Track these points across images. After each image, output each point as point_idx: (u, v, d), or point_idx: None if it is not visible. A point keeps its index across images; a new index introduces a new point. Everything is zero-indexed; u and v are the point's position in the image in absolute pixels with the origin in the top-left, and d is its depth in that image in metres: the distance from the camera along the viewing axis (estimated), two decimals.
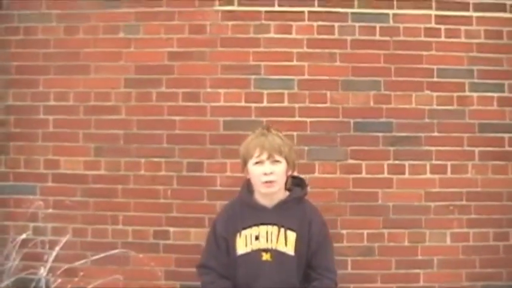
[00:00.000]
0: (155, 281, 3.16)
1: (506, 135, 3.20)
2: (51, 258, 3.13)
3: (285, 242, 2.20)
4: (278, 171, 2.23)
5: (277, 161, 2.23)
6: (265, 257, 2.19)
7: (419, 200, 3.17)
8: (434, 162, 3.17)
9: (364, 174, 3.17)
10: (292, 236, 2.21)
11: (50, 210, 3.22)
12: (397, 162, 3.17)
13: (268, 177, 2.21)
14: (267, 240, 2.20)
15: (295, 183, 2.36)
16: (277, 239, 2.20)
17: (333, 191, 3.14)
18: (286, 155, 2.25)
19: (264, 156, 2.22)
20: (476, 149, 3.19)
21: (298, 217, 2.24)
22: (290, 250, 2.20)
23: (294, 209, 2.25)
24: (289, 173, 2.29)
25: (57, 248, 3.15)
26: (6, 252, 3.13)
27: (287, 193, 2.31)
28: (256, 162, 2.23)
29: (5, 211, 3.25)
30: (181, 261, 3.13)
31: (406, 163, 3.17)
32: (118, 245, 3.17)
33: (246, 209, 2.26)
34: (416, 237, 3.16)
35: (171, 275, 3.14)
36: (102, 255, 3.13)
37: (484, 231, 3.17)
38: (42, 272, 3.12)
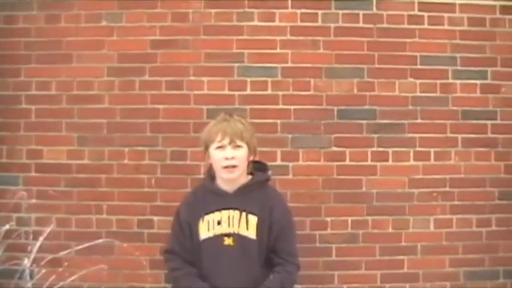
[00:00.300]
0: (140, 270, 3.15)
1: (489, 122, 3.22)
2: (35, 249, 3.11)
3: (247, 226, 2.22)
4: (239, 155, 2.26)
5: (239, 146, 2.26)
6: (227, 241, 2.21)
7: (403, 187, 3.18)
8: (417, 149, 3.19)
9: (348, 162, 3.17)
10: (253, 220, 2.23)
11: (34, 201, 3.20)
12: (380, 149, 3.18)
13: (229, 162, 2.24)
14: (228, 224, 2.22)
15: (257, 168, 2.38)
16: (239, 223, 2.22)
17: (317, 178, 3.15)
18: (247, 140, 2.28)
19: (226, 141, 2.25)
20: (460, 136, 3.21)
21: (259, 201, 2.27)
22: (252, 234, 2.23)
23: (255, 194, 2.28)
24: (251, 158, 2.31)
25: (41, 239, 3.12)
26: None
27: (249, 177, 2.32)
28: (218, 147, 2.25)
29: None
30: None
31: (390, 150, 3.18)
32: (102, 234, 3.16)
33: (208, 195, 2.29)
34: (400, 224, 3.17)
35: (156, 264, 3.13)
36: (86, 245, 3.11)
37: (467, 218, 3.20)
38: (26, 262, 3.10)
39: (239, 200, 2.24)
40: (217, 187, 2.28)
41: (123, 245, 3.14)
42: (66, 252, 3.13)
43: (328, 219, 3.17)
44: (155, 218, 3.15)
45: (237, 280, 2.21)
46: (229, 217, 2.22)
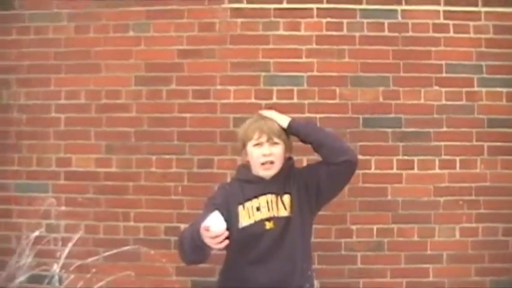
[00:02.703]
0: (166, 277, 3.19)
1: None
2: (63, 255, 3.19)
3: (284, 206, 2.25)
4: (277, 152, 2.29)
5: (276, 143, 2.28)
6: (269, 225, 2.24)
7: (429, 195, 3.18)
8: (443, 157, 3.19)
9: (373, 170, 3.18)
10: (287, 198, 2.27)
11: (63, 208, 3.26)
12: (406, 157, 3.19)
13: (267, 158, 2.27)
14: (268, 209, 2.25)
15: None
16: (277, 206, 2.25)
17: None
18: (284, 138, 2.31)
19: (264, 138, 2.28)
20: (485, 144, 3.20)
21: (290, 180, 2.30)
22: (287, 212, 2.26)
23: (284, 176, 2.31)
24: (287, 155, 2.35)
25: (69, 245, 3.20)
26: (19, 250, 3.19)
27: None
28: (256, 144, 2.28)
29: (18, 209, 3.29)
30: None
31: (415, 158, 3.19)
32: (129, 241, 3.21)
33: (243, 185, 2.31)
34: (426, 232, 3.17)
35: (182, 271, 3.17)
36: (114, 251, 3.18)
37: (493, 226, 3.19)
38: (55, 268, 3.18)
39: (274, 186, 2.28)
40: (253, 175, 2.32)
41: (150, 252, 3.18)
42: (94, 258, 3.20)
43: (354, 227, 3.18)
44: (182, 226, 3.15)
45: (282, 260, 2.23)
46: (267, 202, 2.26)
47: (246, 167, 2.36)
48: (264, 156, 2.26)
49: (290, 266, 2.24)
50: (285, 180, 2.30)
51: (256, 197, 2.27)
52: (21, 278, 3.14)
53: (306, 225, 2.30)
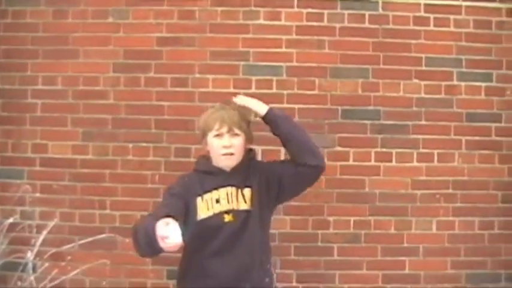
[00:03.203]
0: (142, 265, 3.16)
1: (493, 125, 3.22)
2: (38, 243, 3.14)
3: (244, 199, 2.24)
4: (237, 144, 2.27)
5: (236, 134, 2.26)
6: (228, 218, 2.22)
7: (406, 188, 3.19)
8: (421, 150, 3.19)
9: (351, 162, 3.18)
10: (248, 192, 2.26)
11: (38, 195, 3.22)
12: (384, 150, 3.19)
13: (227, 150, 2.25)
14: (228, 201, 2.23)
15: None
16: (237, 199, 2.24)
17: (320, 178, 3.11)
18: (244, 129, 2.29)
19: (224, 129, 2.26)
20: (464, 138, 3.21)
21: (251, 173, 2.29)
22: (248, 206, 2.24)
23: (245, 169, 2.30)
24: (247, 146, 2.33)
25: (44, 232, 3.15)
26: None
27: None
28: (216, 135, 2.26)
29: None
30: None
31: (393, 151, 3.19)
32: (105, 229, 3.18)
33: (203, 176, 2.29)
34: (403, 225, 3.18)
35: (158, 260, 3.09)
36: (89, 239, 3.14)
37: (469, 220, 3.20)
38: (30, 256, 3.13)
39: (234, 178, 2.26)
40: (213, 166, 2.30)
41: (126, 240, 3.15)
42: (69, 246, 3.16)
43: (331, 218, 3.17)
44: None
45: (240, 253, 2.22)
46: (227, 194, 2.24)
47: (206, 157, 2.34)
48: (224, 147, 2.24)
49: (249, 259, 2.23)
50: (246, 173, 2.29)
51: (216, 188, 2.25)
52: None
53: (265, 219, 2.29)
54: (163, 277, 3.16)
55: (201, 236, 2.21)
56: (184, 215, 2.15)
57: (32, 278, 3.13)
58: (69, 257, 3.16)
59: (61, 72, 3.24)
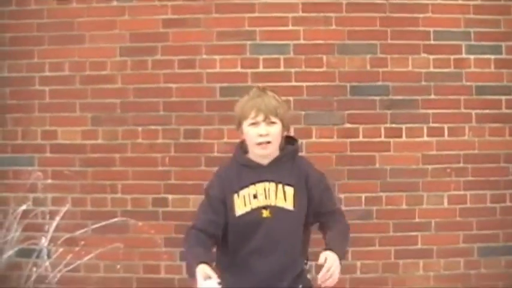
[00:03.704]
0: (155, 248, 3.19)
1: (503, 97, 3.20)
2: (51, 228, 3.17)
3: (284, 197, 2.20)
4: (274, 132, 2.22)
5: (273, 123, 2.23)
6: (265, 213, 2.20)
7: (417, 163, 3.18)
8: (431, 125, 3.18)
9: (361, 138, 3.17)
10: (290, 190, 2.21)
11: (49, 181, 3.24)
12: (394, 125, 3.18)
13: (264, 138, 2.21)
14: (265, 197, 2.21)
15: (287, 143, 2.37)
16: (276, 195, 2.21)
17: (330, 155, 3.15)
18: (281, 117, 2.25)
19: (260, 117, 2.21)
20: (473, 112, 3.19)
21: (294, 172, 2.24)
22: (289, 205, 2.21)
23: (289, 165, 2.26)
24: (284, 134, 2.30)
25: (57, 218, 3.18)
26: (7, 224, 3.16)
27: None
28: (252, 124, 2.23)
29: (5, 183, 3.27)
30: (180, 228, 3.12)
31: (403, 126, 3.18)
32: (117, 213, 3.20)
33: (241, 169, 2.27)
34: (414, 200, 3.18)
35: (170, 242, 3.17)
36: (101, 224, 3.16)
37: (481, 194, 3.19)
38: (44, 242, 3.16)
39: (273, 172, 2.22)
40: (250, 160, 2.28)
41: (138, 223, 3.18)
42: (82, 231, 3.18)
43: (342, 195, 3.16)
44: (170, 197, 3.17)
45: (276, 251, 2.21)
46: (265, 189, 2.20)
47: (244, 147, 2.32)
48: (261, 136, 2.22)
49: (288, 258, 2.21)
50: (289, 170, 2.20)
51: (253, 183, 2.20)
52: (10, 252, 3.13)
53: (305, 222, 2.22)
54: (177, 259, 3.17)
55: (240, 232, 2.20)
56: (224, 214, 2.16)
57: (47, 263, 3.16)
58: (82, 242, 3.18)
59: (68, 58, 3.24)
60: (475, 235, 3.19)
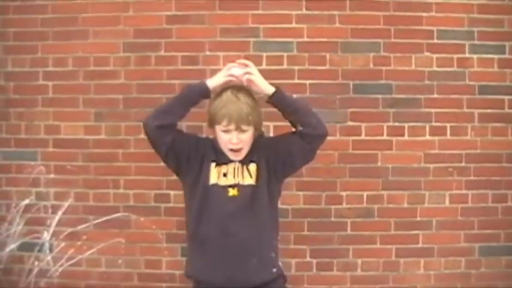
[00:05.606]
0: (157, 243, 3.20)
1: (506, 97, 3.19)
2: (54, 223, 3.19)
3: (249, 174, 2.26)
4: (245, 139, 2.27)
5: (245, 130, 2.25)
6: (232, 192, 2.24)
7: (419, 161, 3.18)
8: (433, 124, 3.18)
9: (363, 136, 3.18)
10: (253, 167, 2.28)
11: (52, 176, 3.25)
12: (396, 124, 3.18)
13: (235, 146, 2.25)
14: (234, 176, 2.25)
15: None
16: (242, 175, 2.25)
17: (333, 153, 3.15)
18: (254, 122, 2.27)
19: (232, 127, 2.23)
20: (476, 111, 3.19)
21: (254, 148, 2.31)
22: (251, 180, 2.26)
23: (253, 148, 2.32)
24: (256, 134, 2.33)
25: (59, 213, 3.20)
26: (10, 218, 3.18)
27: None
28: (224, 131, 2.25)
29: (7, 177, 3.27)
30: (182, 224, 3.12)
31: (406, 125, 3.18)
32: (120, 208, 3.21)
33: (217, 147, 2.32)
34: (416, 199, 3.18)
35: (172, 238, 3.18)
36: (104, 219, 3.18)
37: (482, 193, 3.19)
38: (46, 236, 3.18)
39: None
40: (224, 156, 2.32)
41: (140, 219, 3.19)
42: (84, 226, 3.20)
43: (344, 193, 3.18)
44: (172, 193, 3.18)
45: (248, 229, 2.24)
46: (234, 169, 2.26)
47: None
48: (232, 144, 2.25)
49: (258, 234, 2.24)
50: (251, 149, 2.30)
51: (225, 163, 2.28)
52: (12, 246, 3.15)
53: (273, 194, 2.30)
54: (178, 254, 3.19)
55: (206, 206, 2.24)
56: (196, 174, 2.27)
57: (49, 257, 3.18)
58: (84, 237, 3.20)
59: (71, 53, 3.24)
60: (476, 234, 3.19)
